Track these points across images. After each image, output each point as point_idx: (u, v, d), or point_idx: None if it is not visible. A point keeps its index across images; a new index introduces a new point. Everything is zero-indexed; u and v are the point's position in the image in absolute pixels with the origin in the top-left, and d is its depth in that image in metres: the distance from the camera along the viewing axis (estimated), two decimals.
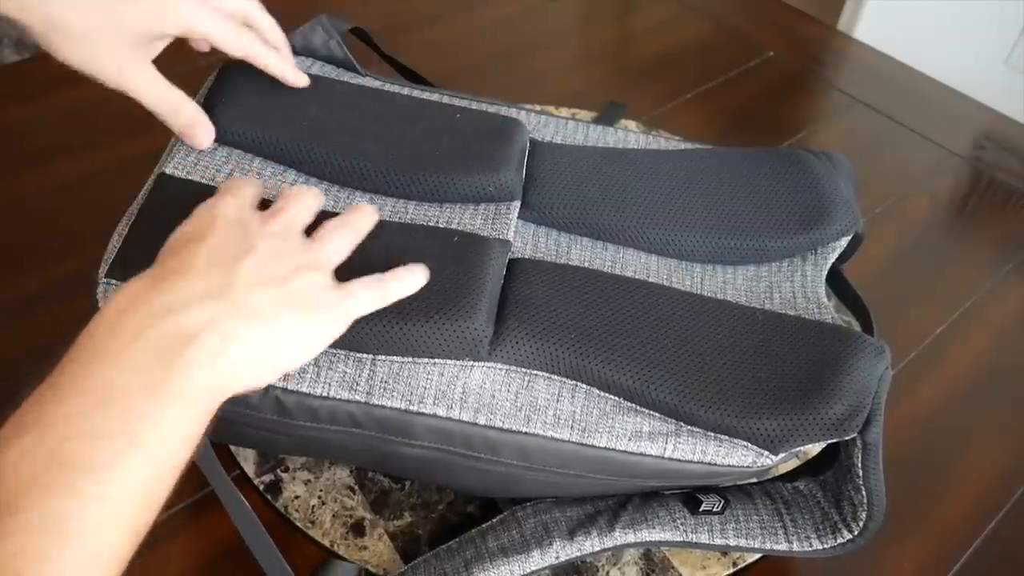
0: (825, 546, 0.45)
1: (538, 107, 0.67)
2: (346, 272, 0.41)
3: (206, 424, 0.32)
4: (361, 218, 0.42)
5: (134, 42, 0.44)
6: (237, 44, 0.48)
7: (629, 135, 0.58)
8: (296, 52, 0.54)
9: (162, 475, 0.30)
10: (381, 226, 0.47)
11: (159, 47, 0.47)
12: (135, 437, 0.29)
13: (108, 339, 0.31)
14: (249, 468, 0.49)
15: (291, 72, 0.50)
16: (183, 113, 0.46)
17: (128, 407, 0.29)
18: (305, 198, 0.41)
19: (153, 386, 0.30)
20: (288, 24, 0.55)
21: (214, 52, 0.49)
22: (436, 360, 0.42)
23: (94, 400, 0.29)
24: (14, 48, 0.70)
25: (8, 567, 0.25)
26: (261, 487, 0.49)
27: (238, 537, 0.42)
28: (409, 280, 0.41)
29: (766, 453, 0.42)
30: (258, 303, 0.34)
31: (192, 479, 0.48)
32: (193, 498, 0.48)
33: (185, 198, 0.45)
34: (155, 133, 0.48)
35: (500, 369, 0.43)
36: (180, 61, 0.49)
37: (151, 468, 0.30)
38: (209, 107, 0.48)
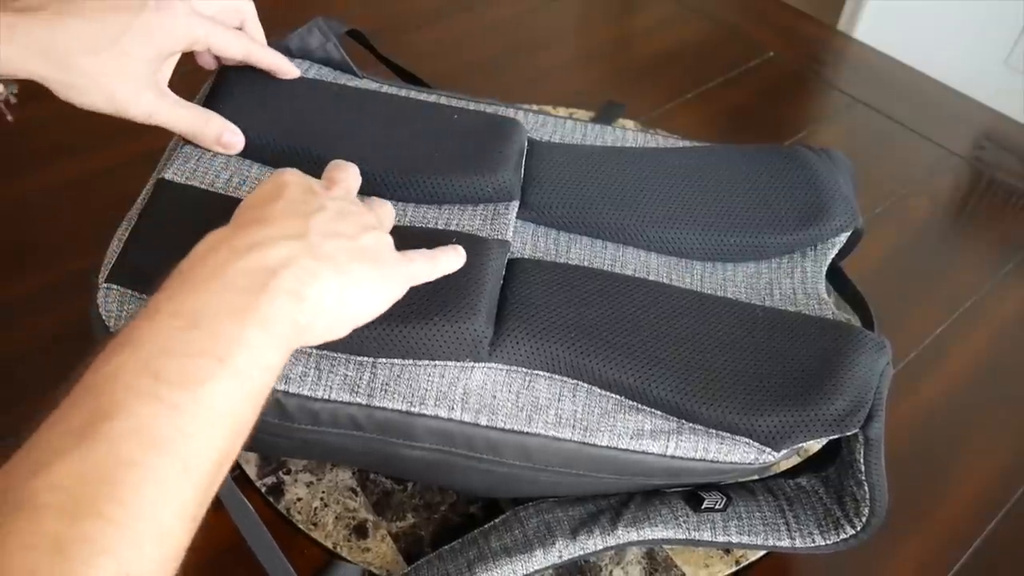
0: (828, 542, 0.45)
1: (535, 107, 0.67)
2: None
3: (286, 359, 0.33)
4: (385, 203, 0.45)
5: (147, 71, 0.45)
6: (238, 48, 0.49)
7: (627, 134, 0.58)
8: (293, 54, 0.55)
9: (247, 399, 0.31)
10: None
11: (169, 69, 0.47)
12: (223, 357, 0.30)
13: (197, 271, 0.33)
14: (251, 470, 0.49)
15: (285, 64, 0.52)
16: (210, 127, 0.47)
17: (217, 330, 0.31)
18: (352, 169, 0.43)
19: (240, 311, 0.31)
20: (285, 26, 0.55)
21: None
22: (437, 362, 0.42)
23: (184, 322, 0.31)
24: None
25: (102, 469, 0.26)
26: (263, 489, 0.49)
27: (238, 537, 0.42)
28: (454, 258, 0.43)
29: (768, 450, 0.42)
30: (332, 250, 0.36)
31: None
32: None
33: (185, 203, 0.45)
34: (155, 134, 0.48)
35: (501, 369, 0.43)
36: (181, 61, 0.49)
37: (237, 390, 0.31)
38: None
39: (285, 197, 0.37)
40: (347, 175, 0.43)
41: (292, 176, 0.39)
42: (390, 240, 0.40)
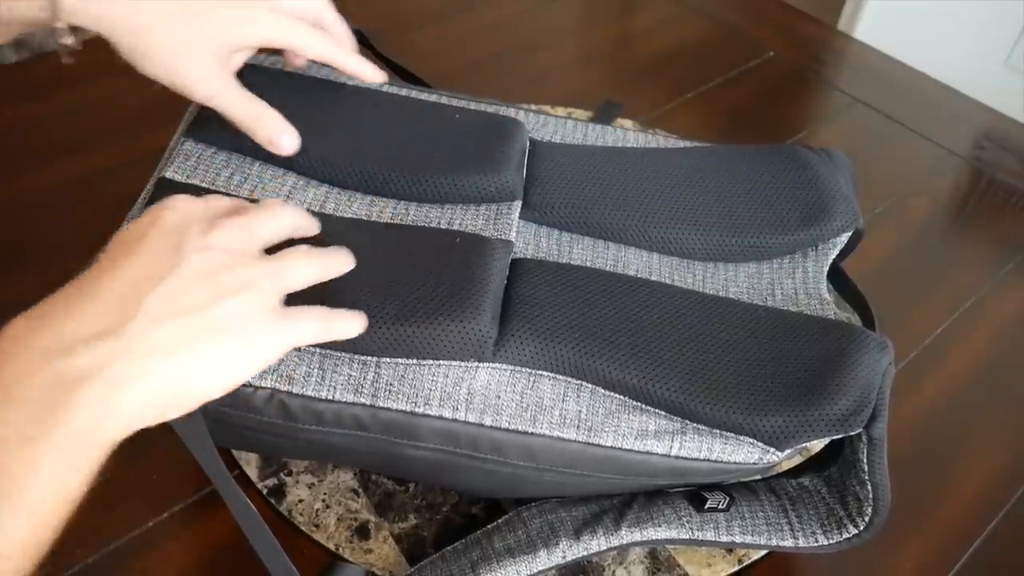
0: (831, 541, 0.45)
1: (535, 107, 0.67)
2: (348, 278, 0.41)
3: (96, 465, 0.30)
4: (335, 260, 0.40)
5: (219, 55, 0.44)
6: (318, 49, 0.48)
7: (628, 134, 0.58)
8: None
9: (39, 529, 0.29)
10: (382, 228, 0.47)
11: (241, 59, 0.47)
12: (14, 495, 0.28)
13: None
14: (252, 472, 0.49)
15: (369, 70, 0.50)
16: (265, 124, 0.46)
17: (5, 462, 0.28)
18: (280, 213, 0.38)
19: (31, 440, 0.28)
20: None
21: None
22: (441, 362, 0.42)
23: None
24: (14, 48, 0.70)
25: None
26: (264, 491, 0.49)
27: (238, 538, 0.42)
28: (355, 323, 0.39)
29: (772, 450, 0.42)
30: (164, 337, 0.32)
31: (191, 480, 0.49)
32: (192, 499, 0.48)
33: None
34: (155, 134, 0.48)
35: (505, 370, 0.43)
36: None
37: (34, 520, 0.29)
38: (208, 110, 0.48)
39: (142, 248, 0.33)
40: (264, 217, 0.37)
41: (169, 213, 0.35)
42: (267, 301, 0.35)
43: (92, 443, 0.30)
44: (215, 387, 0.34)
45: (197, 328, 0.33)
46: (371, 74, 0.50)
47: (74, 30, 0.42)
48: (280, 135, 0.46)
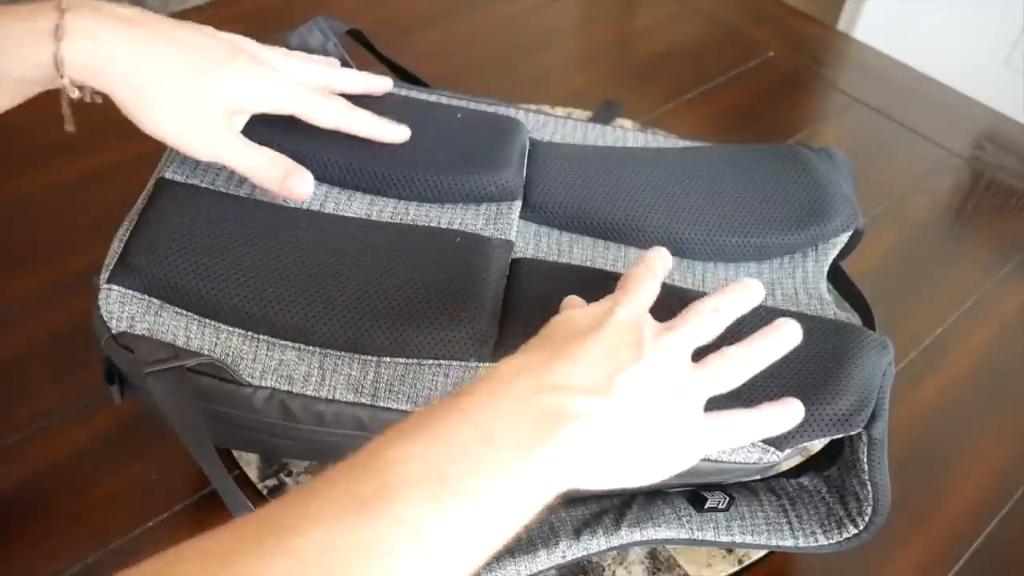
0: (830, 541, 0.45)
1: (535, 107, 0.67)
2: (348, 279, 0.40)
3: (544, 503, 0.32)
4: (763, 350, 0.39)
5: (221, 115, 0.44)
6: (329, 118, 0.47)
7: (628, 134, 0.58)
8: None
9: (505, 521, 0.31)
10: (382, 228, 0.47)
11: (244, 119, 0.46)
12: (498, 483, 0.30)
13: (497, 391, 0.33)
14: (252, 472, 0.49)
15: (386, 129, 0.48)
16: (277, 173, 0.45)
17: (502, 456, 0.31)
18: (703, 315, 0.38)
19: (526, 448, 0.31)
20: (286, 25, 0.55)
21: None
22: (441, 361, 0.42)
23: (479, 437, 0.31)
24: None
25: (369, 547, 0.27)
26: (264, 492, 0.48)
27: None
28: (786, 415, 0.39)
29: (772, 449, 0.42)
30: (632, 415, 0.34)
31: (191, 480, 0.49)
32: (192, 499, 0.48)
33: (186, 202, 0.45)
34: None
35: None
36: None
37: (502, 511, 0.31)
38: None
39: (607, 333, 0.35)
40: (696, 324, 0.38)
41: (623, 308, 0.37)
42: (699, 409, 0.36)
43: (559, 474, 0.32)
44: (640, 478, 0.36)
45: (653, 418, 0.35)
46: (386, 132, 0.48)
47: (79, 88, 0.42)
48: (293, 185, 0.45)
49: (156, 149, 0.50)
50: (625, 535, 0.45)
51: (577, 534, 0.45)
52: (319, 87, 0.48)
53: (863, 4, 1.45)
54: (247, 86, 0.44)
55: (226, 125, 0.44)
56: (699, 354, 0.38)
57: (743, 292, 0.40)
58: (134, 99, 0.42)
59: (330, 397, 0.41)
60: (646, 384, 0.35)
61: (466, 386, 0.33)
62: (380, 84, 0.52)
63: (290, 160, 0.46)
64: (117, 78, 0.41)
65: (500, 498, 0.30)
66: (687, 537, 0.45)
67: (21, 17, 0.40)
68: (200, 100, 0.43)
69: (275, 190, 0.45)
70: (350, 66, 0.56)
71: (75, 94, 0.42)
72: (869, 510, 0.43)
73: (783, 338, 0.39)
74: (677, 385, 0.36)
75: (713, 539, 0.45)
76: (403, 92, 0.55)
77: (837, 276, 0.54)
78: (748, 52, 0.88)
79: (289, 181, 0.45)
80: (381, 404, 0.42)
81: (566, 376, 0.34)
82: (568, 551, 0.45)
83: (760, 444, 0.42)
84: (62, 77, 0.40)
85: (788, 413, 0.39)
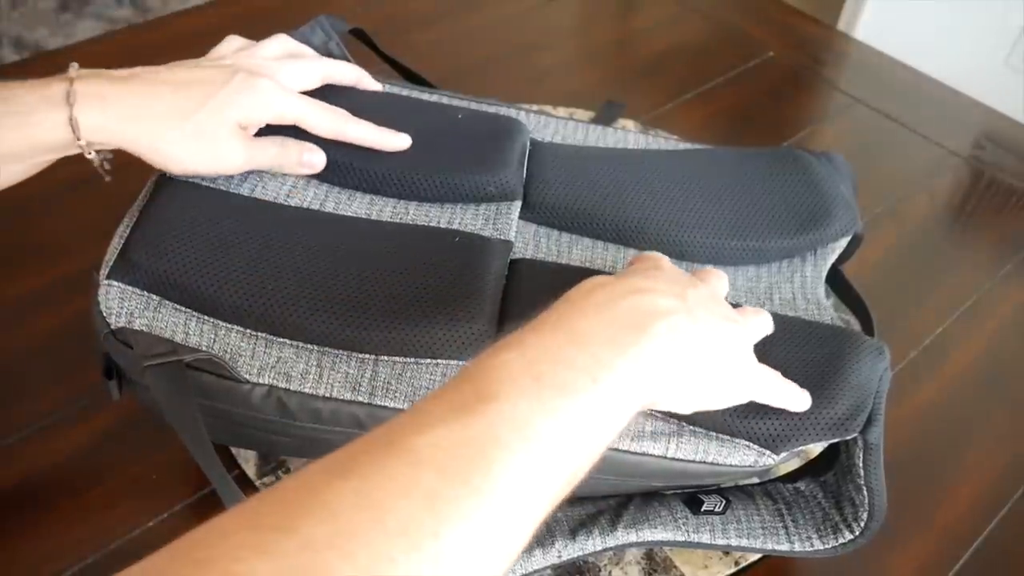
0: (826, 546, 0.45)
1: (535, 107, 0.67)
2: (347, 278, 0.40)
3: (636, 408, 0.34)
4: (762, 319, 0.44)
5: (234, 128, 0.46)
6: (329, 127, 0.48)
7: (629, 135, 0.58)
8: None
9: (601, 426, 0.32)
10: (382, 227, 0.47)
11: (254, 129, 0.48)
12: (596, 378, 0.32)
13: (584, 301, 0.35)
14: (250, 470, 0.49)
15: (388, 138, 0.50)
16: (290, 155, 0.48)
17: (596, 352, 0.33)
18: (723, 278, 0.44)
19: (618, 343, 0.33)
20: (288, 24, 0.55)
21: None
22: (439, 360, 0.42)
23: (569, 339, 0.33)
24: (14, 48, 0.70)
25: (477, 442, 0.29)
26: (262, 489, 0.49)
27: None
28: (800, 397, 0.42)
29: (768, 453, 0.42)
30: (704, 324, 0.37)
31: (191, 480, 0.49)
32: (192, 498, 0.48)
33: (186, 199, 0.45)
34: None
35: None
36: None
37: (600, 411, 0.32)
38: None
39: (664, 269, 0.40)
40: (719, 282, 0.43)
41: (667, 261, 0.41)
42: (750, 340, 0.41)
43: (651, 368, 0.34)
44: (709, 399, 0.39)
45: (722, 329, 0.38)
46: (386, 141, 0.50)
47: (99, 152, 0.44)
48: (310, 159, 0.48)
49: None
50: (621, 536, 0.45)
51: (573, 534, 0.45)
52: (319, 80, 0.50)
53: (863, 4, 1.45)
54: (250, 99, 0.46)
55: (242, 137, 0.46)
56: None
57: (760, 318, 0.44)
58: (153, 147, 0.44)
59: (327, 395, 0.41)
60: (710, 302, 0.38)
61: (542, 314, 0.35)
62: (370, 81, 0.54)
63: (293, 139, 0.48)
64: (130, 132, 0.44)
65: (598, 393, 0.32)
66: (683, 539, 0.45)
67: (34, 88, 0.43)
68: (212, 125, 0.44)
69: (296, 171, 0.48)
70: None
71: (91, 155, 0.44)
72: (865, 515, 0.43)
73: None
74: (731, 314, 0.40)
75: (709, 542, 0.45)
76: (404, 92, 0.55)
77: (836, 280, 0.54)
78: (748, 52, 0.88)
79: (305, 157, 0.48)
80: (378, 402, 0.42)
81: (642, 284, 0.37)
82: (564, 551, 0.45)
83: (756, 447, 0.42)
84: (79, 139, 0.43)
85: (801, 396, 0.42)
